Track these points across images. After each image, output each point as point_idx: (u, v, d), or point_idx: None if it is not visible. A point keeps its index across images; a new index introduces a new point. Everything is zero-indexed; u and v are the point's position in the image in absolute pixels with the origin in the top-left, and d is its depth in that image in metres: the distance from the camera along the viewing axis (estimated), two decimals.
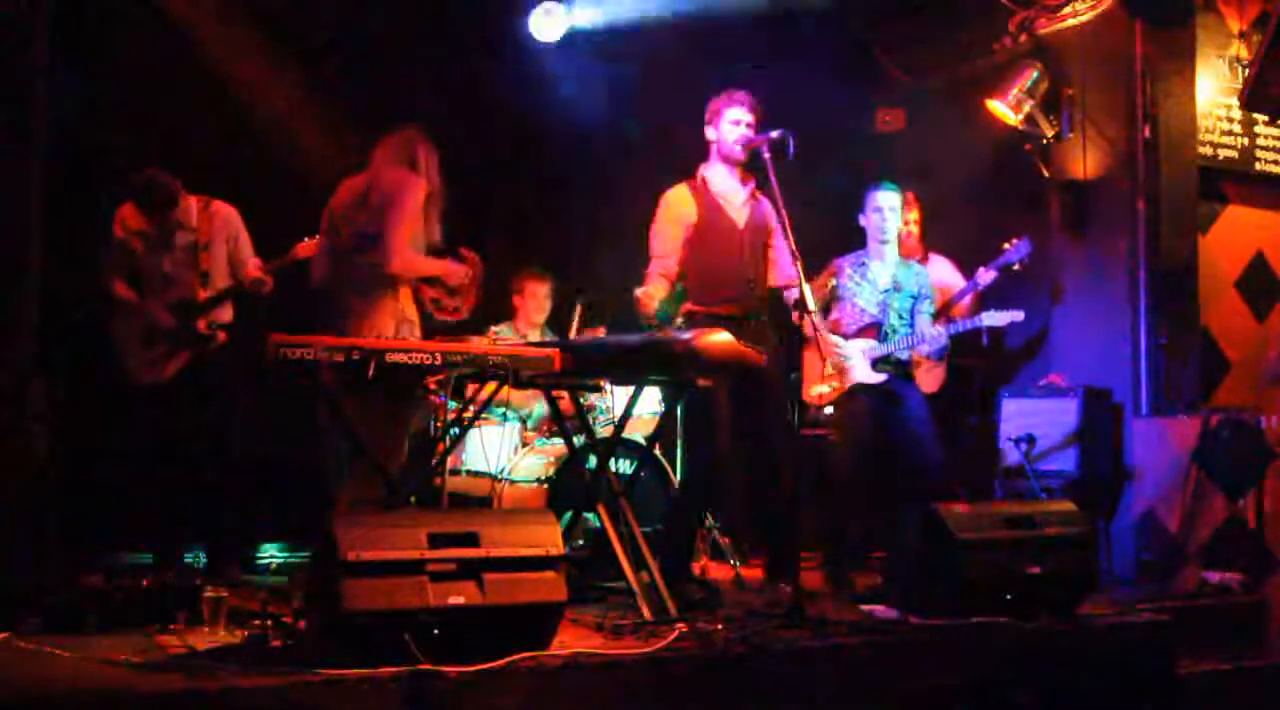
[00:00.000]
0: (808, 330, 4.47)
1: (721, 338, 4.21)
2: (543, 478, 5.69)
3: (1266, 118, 6.71)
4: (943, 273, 6.19)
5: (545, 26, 7.00)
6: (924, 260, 6.10)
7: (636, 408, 4.78)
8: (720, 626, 3.99)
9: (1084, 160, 6.58)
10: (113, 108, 5.93)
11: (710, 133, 5.04)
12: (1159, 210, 6.36)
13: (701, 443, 4.94)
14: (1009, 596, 4.22)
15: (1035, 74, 6.54)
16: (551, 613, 3.47)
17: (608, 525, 4.34)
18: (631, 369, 4.49)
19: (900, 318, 5.54)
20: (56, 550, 4.62)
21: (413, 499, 4.66)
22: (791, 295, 4.59)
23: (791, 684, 3.68)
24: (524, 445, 6.00)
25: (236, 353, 5.27)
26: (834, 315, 5.68)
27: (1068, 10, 6.57)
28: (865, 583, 5.13)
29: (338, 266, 4.78)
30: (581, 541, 5.33)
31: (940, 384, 6.14)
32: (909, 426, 5.39)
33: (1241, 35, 6.70)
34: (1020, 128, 6.65)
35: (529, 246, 6.92)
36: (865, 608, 4.43)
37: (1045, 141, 6.71)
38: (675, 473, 5.89)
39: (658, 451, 5.69)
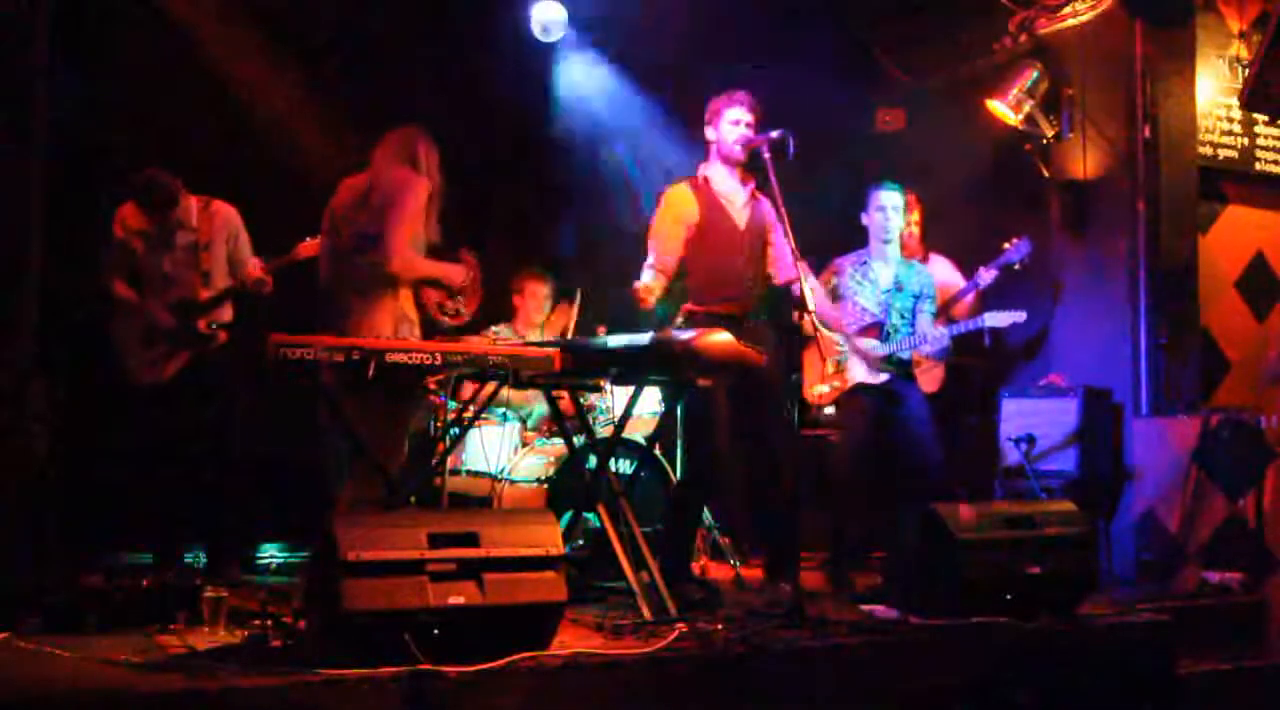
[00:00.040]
0: (807, 329, 4.47)
1: (721, 338, 4.21)
2: (543, 478, 5.69)
3: (1266, 118, 6.71)
4: (943, 272, 6.19)
5: (546, 26, 7.00)
6: (924, 260, 6.10)
7: (636, 408, 4.78)
8: (720, 626, 3.99)
9: (1084, 160, 6.58)
10: (113, 108, 5.93)
11: (710, 133, 5.04)
12: (1159, 210, 6.36)
13: (701, 442, 4.94)
14: (1009, 596, 4.22)
15: (1035, 74, 6.54)
16: (551, 613, 3.47)
17: (608, 525, 4.34)
18: (631, 369, 4.49)
19: (902, 317, 5.54)
20: (56, 550, 4.62)
21: (413, 499, 4.66)
22: (798, 288, 4.60)
23: (791, 684, 3.68)
24: (524, 445, 6.00)
25: (237, 353, 5.27)
26: (835, 314, 5.68)
27: (1068, 10, 6.57)
28: (865, 583, 5.13)
29: (338, 266, 4.78)
30: (581, 541, 5.33)
31: (940, 384, 6.14)
32: (909, 426, 5.40)
33: (1241, 35, 6.70)
34: (1020, 128, 6.65)
35: (529, 246, 6.92)
36: (865, 608, 4.43)
37: (1045, 141, 6.71)
38: (675, 473, 5.89)
39: (658, 451, 5.70)
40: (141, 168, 5.25)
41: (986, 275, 5.99)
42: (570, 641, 3.61)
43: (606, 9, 7.01)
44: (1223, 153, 6.65)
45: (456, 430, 5.13)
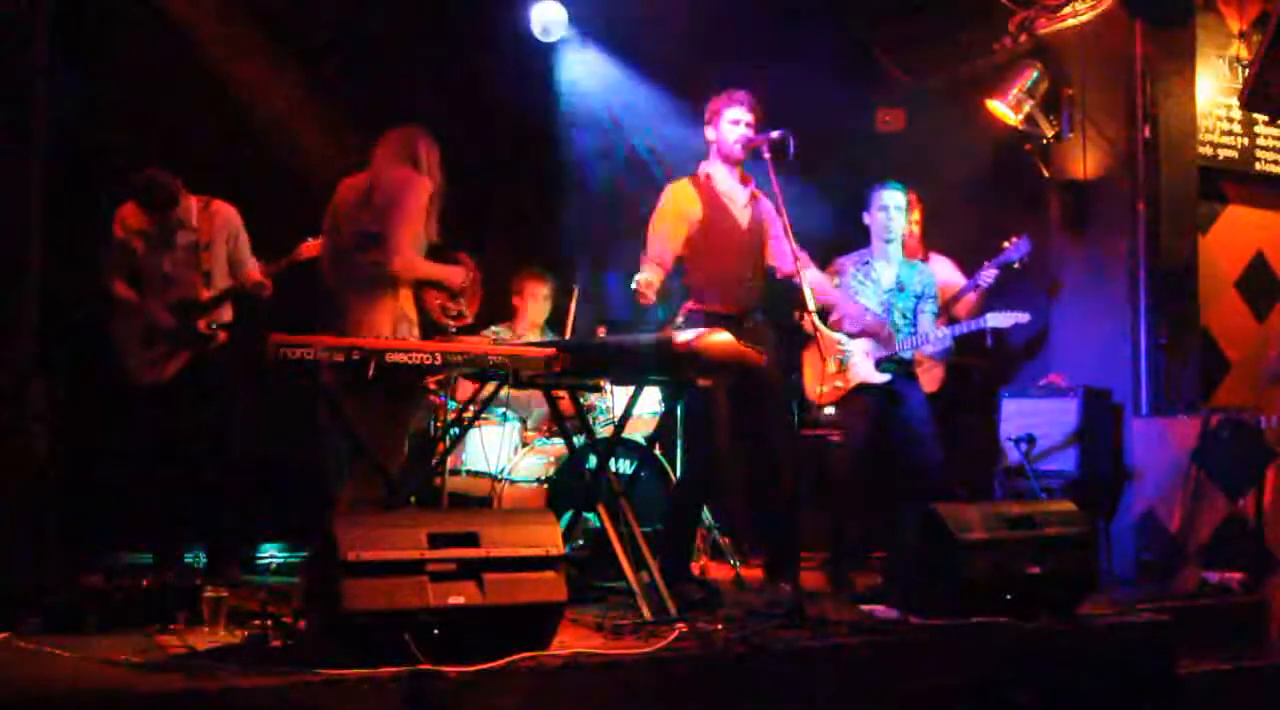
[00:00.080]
0: (807, 328, 4.47)
1: (721, 338, 4.20)
2: (543, 478, 5.69)
3: (1266, 118, 6.72)
4: (943, 272, 6.20)
5: (546, 26, 7.00)
6: (925, 259, 6.11)
7: (636, 408, 4.78)
8: (720, 626, 3.99)
9: (1084, 160, 6.59)
10: (113, 108, 5.93)
11: (710, 132, 5.04)
12: (1159, 210, 6.36)
13: (701, 442, 4.94)
14: (1009, 596, 4.22)
15: (1035, 74, 6.54)
16: (551, 613, 3.47)
17: (608, 525, 4.34)
18: (631, 369, 4.49)
19: (904, 317, 5.54)
20: (56, 550, 4.62)
21: (413, 499, 4.66)
22: (799, 284, 4.62)
23: (791, 684, 3.68)
24: (524, 445, 6.00)
25: (237, 353, 5.27)
26: (836, 315, 5.68)
27: (1068, 10, 6.58)
28: (865, 583, 5.13)
29: (338, 265, 4.77)
30: (581, 541, 5.33)
31: (940, 384, 6.14)
32: (910, 426, 5.40)
33: (1241, 35, 6.70)
34: (1020, 128, 6.65)
35: (529, 246, 6.92)
36: (865, 608, 4.43)
37: (1045, 141, 6.71)
38: (675, 473, 5.89)
39: (658, 451, 5.70)
40: (141, 168, 5.25)
41: (987, 274, 5.99)
42: (570, 641, 3.61)
43: (606, 9, 7.01)
44: (1223, 153, 6.65)
45: (456, 430, 5.14)
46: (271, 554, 6.00)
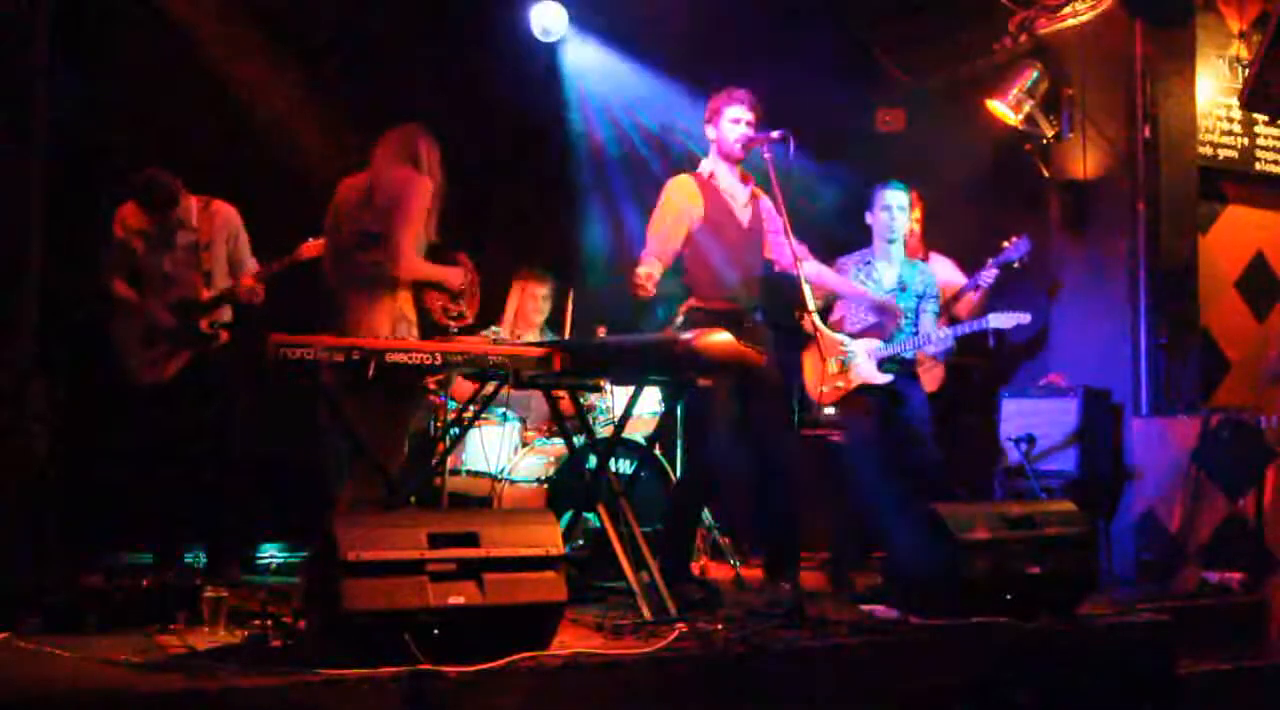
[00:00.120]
0: (807, 327, 4.48)
1: (721, 338, 4.20)
2: (543, 478, 5.69)
3: (1266, 118, 6.72)
4: (944, 271, 6.20)
5: (545, 26, 7.00)
6: (925, 258, 6.11)
7: (636, 408, 4.78)
8: (720, 626, 3.99)
9: (1084, 160, 6.59)
10: (113, 108, 5.92)
11: (710, 131, 5.04)
12: (1159, 210, 6.36)
13: (702, 442, 4.94)
14: (1009, 596, 4.22)
15: (1035, 74, 6.54)
16: (551, 613, 3.47)
17: (608, 525, 4.34)
18: (631, 369, 4.49)
19: (906, 317, 5.54)
20: (56, 550, 4.62)
21: (413, 499, 4.66)
22: (800, 280, 4.63)
23: (791, 684, 3.68)
24: (524, 445, 6.00)
25: (237, 352, 5.27)
26: (837, 315, 5.68)
27: (1068, 10, 6.58)
28: (865, 583, 5.13)
29: (338, 265, 4.77)
30: (581, 541, 5.33)
31: (940, 383, 6.14)
32: (912, 426, 5.40)
33: (1241, 35, 6.70)
34: (1020, 128, 6.65)
35: (529, 247, 6.92)
36: (865, 608, 4.43)
37: (1045, 141, 6.71)
38: (675, 473, 5.89)
39: (658, 451, 5.70)
40: (141, 168, 5.25)
41: (987, 274, 6.00)
42: (570, 641, 3.61)
43: (606, 9, 7.01)
44: (1223, 153, 6.65)
45: (456, 430, 5.14)
46: (271, 554, 6.00)
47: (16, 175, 4.52)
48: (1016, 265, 5.97)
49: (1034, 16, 6.70)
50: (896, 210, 5.52)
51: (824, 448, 5.88)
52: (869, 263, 5.59)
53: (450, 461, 5.75)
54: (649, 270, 4.71)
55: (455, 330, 4.82)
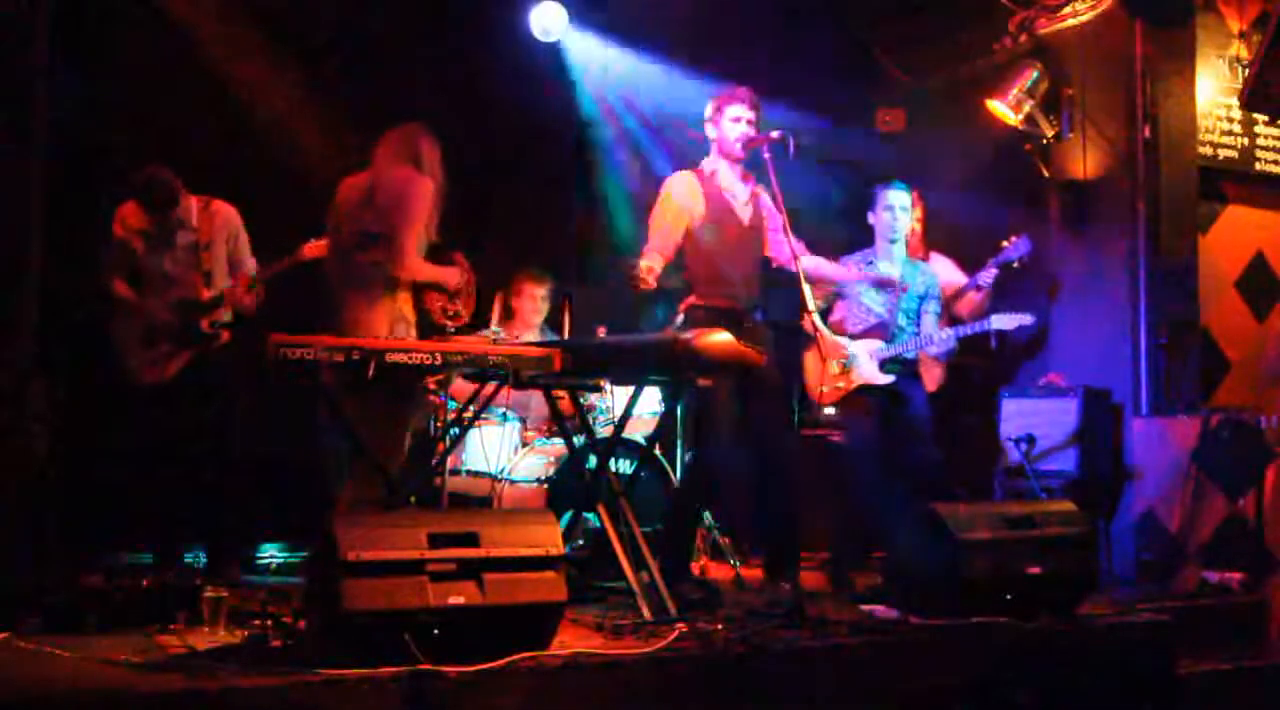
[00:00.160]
0: (807, 327, 4.48)
1: (721, 337, 4.20)
2: (543, 478, 5.69)
3: (1266, 118, 6.71)
4: (944, 271, 6.20)
5: (545, 26, 7.01)
6: (925, 258, 6.11)
7: (636, 408, 4.78)
8: (720, 626, 3.99)
9: (1084, 160, 6.59)
10: (113, 108, 5.92)
11: (711, 130, 5.05)
12: (1159, 210, 6.36)
13: (702, 442, 4.94)
14: (1009, 596, 4.22)
15: (1035, 74, 6.54)
16: (551, 613, 3.47)
17: (608, 525, 4.34)
18: (631, 369, 4.49)
19: (907, 318, 5.54)
20: (56, 550, 4.62)
21: (413, 499, 4.66)
22: (792, 266, 4.64)
23: (791, 684, 3.68)
24: (524, 445, 6.00)
25: (237, 352, 5.27)
26: (838, 315, 5.68)
27: (1068, 10, 6.58)
28: (865, 583, 5.13)
29: (338, 265, 4.77)
30: (581, 541, 5.33)
31: (940, 383, 6.14)
32: (913, 426, 5.40)
33: (1241, 35, 6.70)
34: (1020, 128, 6.65)
35: (528, 247, 6.92)
36: (865, 608, 4.43)
37: (1045, 141, 6.71)
38: (675, 473, 5.89)
39: (658, 451, 5.69)
40: (141, 167, 5.25)
41: (986, 274, 6.00)
42: (570, 641, 3.61)
43: (606, 9, 7.02)
44: (1223, 153, 6.65)
45: (456, 430, 5.14)
46: (271, 554, 6.00)
47: (16, 175, 4.52)
48: (1016, 265, 5.97)
49: (1034, 16, 6.70)
50: (899, 210, 5.52)
51: (824, 448, 5.88)
52: (871, 263, 5.58)
53: (450, 461, 5.75)
54: (650, 263, 4.71)
55: (453, 330, 4.82)
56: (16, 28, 4.51)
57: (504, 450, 5.90)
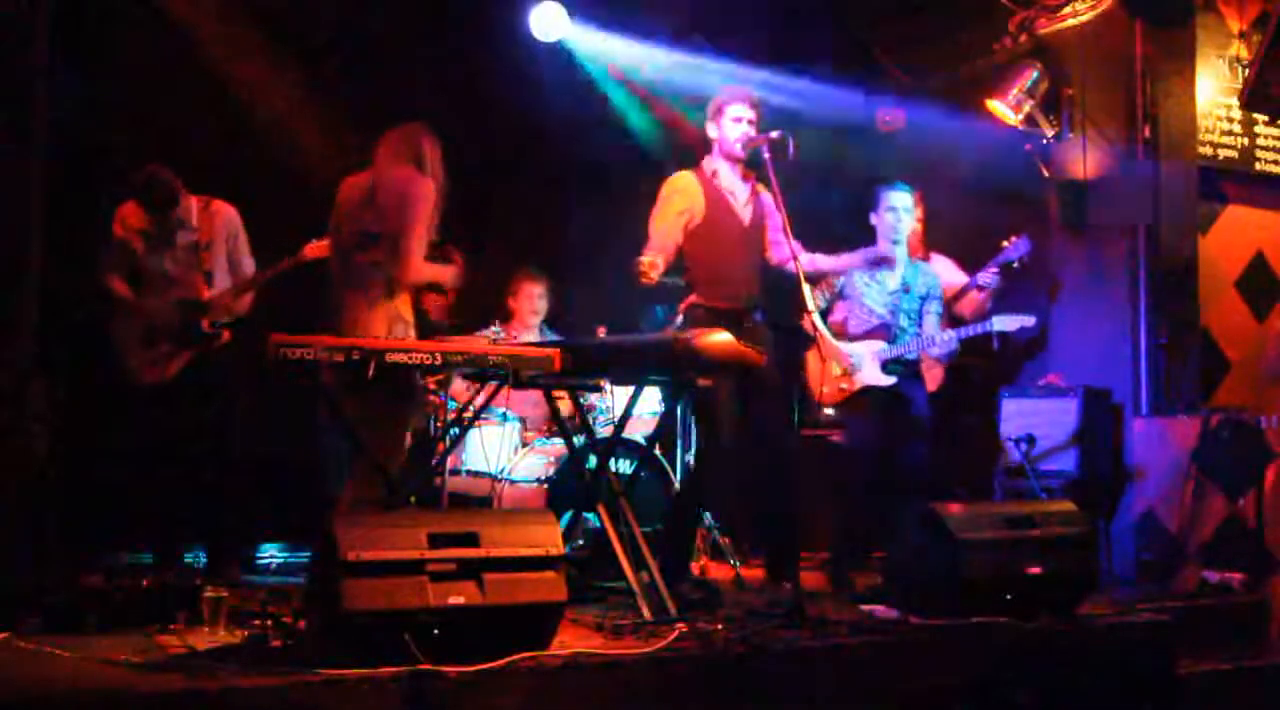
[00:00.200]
0: (808, 327, 4.48)
1: (721, 337, 4.21)
2: (543, 478, 5.69)
3: (1266, 118, 6.71)
4: (945, 272, 6.20)
5: (545, 26, 7.01)
6: (925, 258, 6.11)
7: (636, 408, 4.78)
8: (720, 626, 3.99)
9: (1084, 160, 6.58)
10: (113, 108, 5.93)
11: (712, 130, 5.05)
12: (1159, 210, 6.36)
13: (702, 442, 4.94)
14: (1009, 596, 4.22)
15: (1035, 74, 6.54)
16: (551, 613, 3.47)
17: (608, 525, 4.34)
18: (631, 369, 4.49)
19: (909, 319, 5.54)
20: (56, 550, 4.62)
21: (413, 499, 4.66)
22: (790, 266, 4.65)
23: (791, 684, 3.68)
24: (524, 445, 6.00)
25: (237, 352, 5.27)
26: (840, 315, 5.68)
27: (1068, 10, 6.57)
28: (865, 583, 5.13)
29: (338, 265, 4.77)
30: (581, 541, 5.34)
31: (940, 383, 6.14)
32: (914, 427, 5.40)
33: (1241, 35, 6.69)
34: (1020, 128, 6.65)
35: (528, 247, 6.92)
36: (865, 608, 4.43)
37: (1045, 141, 6.71)
38: (675, 473, 5.89)
39: (658, 451, 5.69)
40: (142, 167, 5.25)
41: (986, 274, 5.99)
42: (570, 641, 3.61)
43: (606, 10, 7.02)
44: (1223, 153, 6.65)
45: (456, 430, 5.14)
46: (271, 554, 6.00)
47: (16, 175, 4.52)
48: (1016, 265, 5.97)
49: (1034, 16, 6.69)
50: (902, 211, 5.52)
51: (824, 448, 5.87)
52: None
53: (450, 461, 5.75)
54: (652, 258, 4.72)
55: (448, 325, 4.81)
56: (16, 28, 4.51)
57: (504, 450, 5.90)
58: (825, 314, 5.63)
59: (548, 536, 3.47)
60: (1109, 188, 6.49)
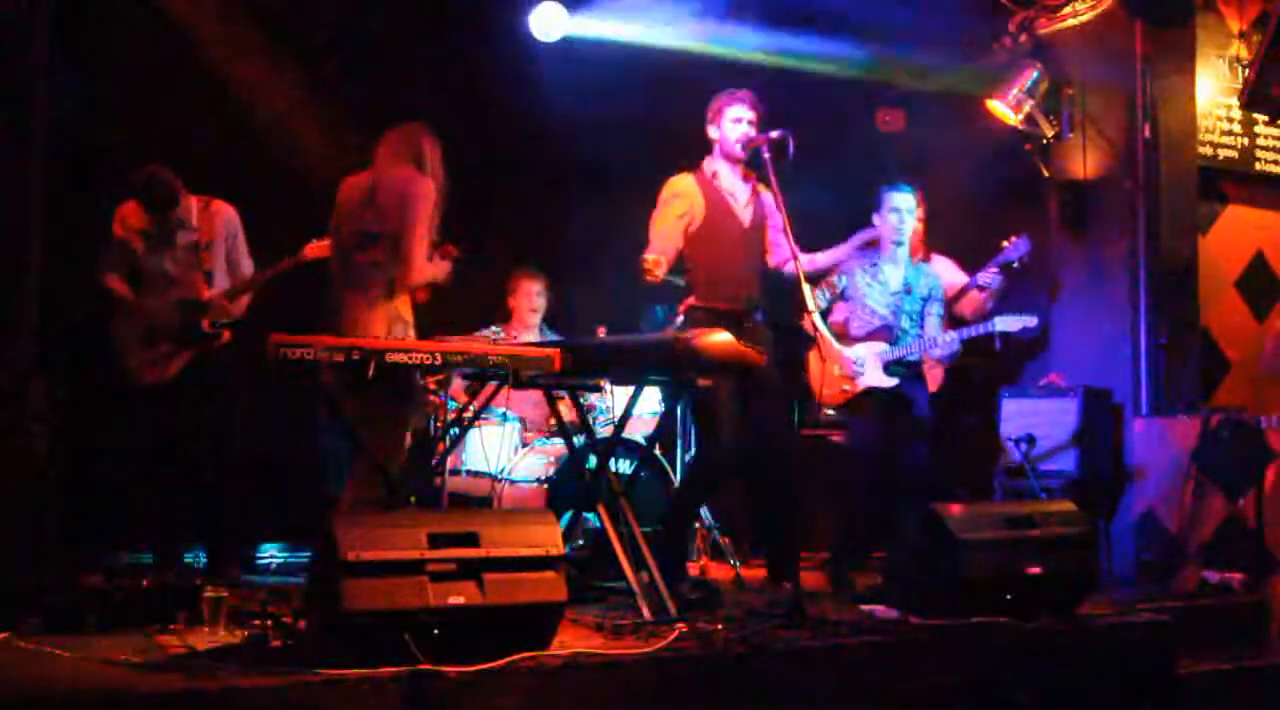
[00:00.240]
0: (808, 327, 4.48)
1: (721, 337, 4.21)
2: (543, 478, 5.69)
3: (1266, 118, 6.71)
4: (946, 272, 6.20)
5: (545, 26, 7.01)
6: (926, 259, 6.11)
7: (636, 408, 4.78)
8: (720, 626, 3.99)
9: (1084, 160, 6.59)
10: (113, 108, 5.93)
11: (712, 131, 5.05)
12: (1159, 210, 6.36)
13: (703, 441, 4.94)
14: (1009, 596, 4.22)
15: (1035, 74, 6.54)
16: (551, 613, 3.47)
17: (608, 525, 4.34)
18: (631, 369, 4.49)
19: (911, 320, 5.54)
20: (56, 550, 4.62)
21: (413, 499, 4.66)
22: (789, 268, 4.65)
23: (791, 684, 3.68)
24: (524, 445, 6.00)
25: (237, 352, 5.27)
26: (841, 316, 5.68)
27: (1068, 10, 6.57)
28: (865, 583, 5.13)
29: (338, 265, 4.77)
30: (581, 541, 5.34)
31: (940, 384, 6.14)
32: (915, 428, 5.40)
33: (1241, 35, 6.70)
34: (1020, 128, 6.65)
35: (528, 246, 6.92)
36: (865, 608, 4.43)
37: (1045, 141, 6.71)
38: (675, 473, 5.89)
39: (658, 451, 5.69)
40: (142, 167, 5.25)
41: (986, 275, 5.99)
42: (570, 641, 3.61)
43: (606, 10, 7.02)
44: (1223, 153, 6.65)
45: (456, 430, 5.14)
46: (271, 554, 6.00)
47: (16, 175, 4.52)
48: (1016, 265, 5.96)
49: (1034, 16, 6.69)
50: (906, 212, 5.52)
51: (824, 448, 5.87)
52: (875, 265, 5.58)
53: (450, 461, 5.75)
54: (657, 256, 4.73)
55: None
56: (16, 28, 4.51)
57: (504, 450, 5.90)
58: (826, 314, 5.63)
59: (548, 536, 3.47)
60: (1109, 188, 6.49)
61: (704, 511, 5.70)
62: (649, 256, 4.70)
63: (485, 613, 3.30)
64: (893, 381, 5.44)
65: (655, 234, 4.93)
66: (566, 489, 5.36)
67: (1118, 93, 6.48)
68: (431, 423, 5.82)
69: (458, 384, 5.75)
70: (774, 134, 4.76)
